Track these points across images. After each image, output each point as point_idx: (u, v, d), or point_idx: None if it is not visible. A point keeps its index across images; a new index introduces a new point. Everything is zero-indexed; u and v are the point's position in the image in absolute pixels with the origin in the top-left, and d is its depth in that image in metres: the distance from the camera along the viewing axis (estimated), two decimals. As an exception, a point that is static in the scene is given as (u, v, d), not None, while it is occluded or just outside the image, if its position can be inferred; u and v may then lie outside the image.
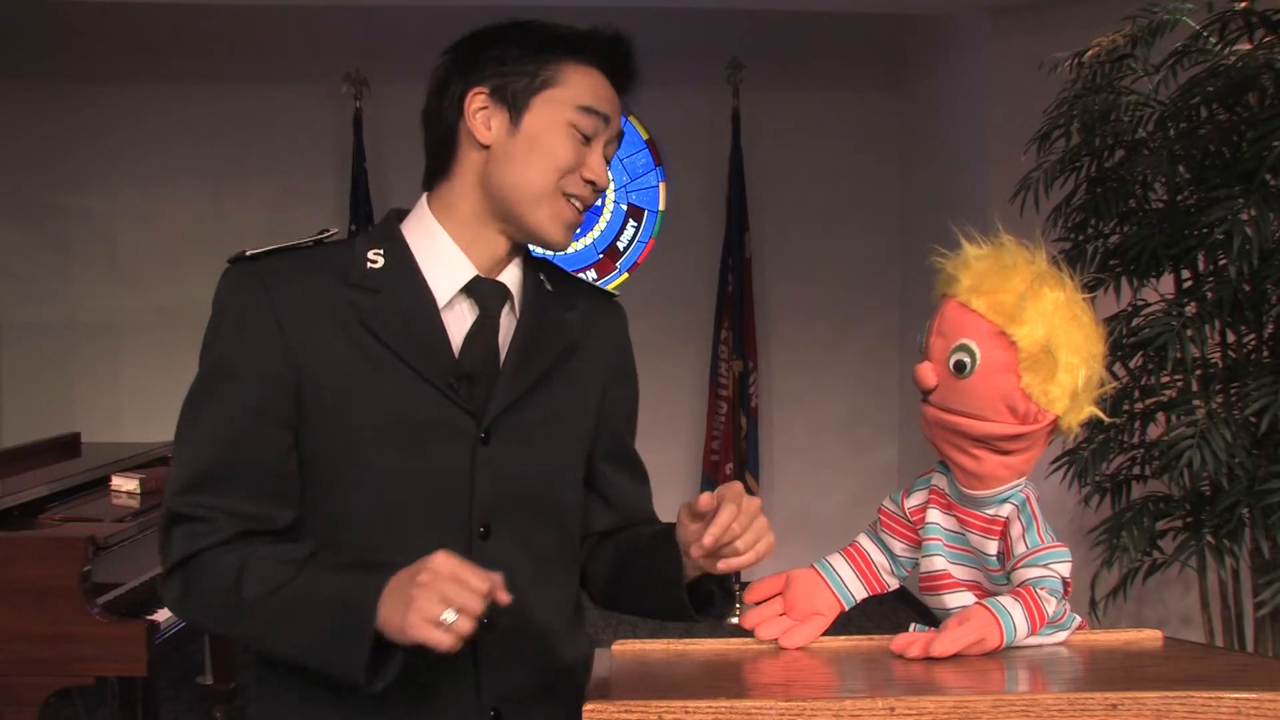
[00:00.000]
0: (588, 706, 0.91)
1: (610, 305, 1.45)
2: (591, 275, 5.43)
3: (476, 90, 1.29)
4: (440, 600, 1.06)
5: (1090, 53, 2.92)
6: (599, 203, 5.61)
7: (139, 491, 2.97)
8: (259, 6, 5.06)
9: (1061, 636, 1.12)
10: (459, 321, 1.28)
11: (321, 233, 1.33)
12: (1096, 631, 1.15)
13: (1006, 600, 1.07)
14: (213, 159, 5.50)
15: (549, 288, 1.36)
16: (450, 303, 1.28)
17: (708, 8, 5.01)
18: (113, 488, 3.01)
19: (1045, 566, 1.08)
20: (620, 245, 5.60)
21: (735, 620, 5.08)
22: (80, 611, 2.38)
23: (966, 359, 1.07)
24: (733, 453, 5.27)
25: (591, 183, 1.29)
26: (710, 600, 1.32)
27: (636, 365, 1.46)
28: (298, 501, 1.25)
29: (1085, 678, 1.05)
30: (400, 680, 1.16)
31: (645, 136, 5.64)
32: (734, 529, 1.16)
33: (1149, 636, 1.14)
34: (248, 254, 1.26)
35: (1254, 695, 0.90)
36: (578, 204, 1.30)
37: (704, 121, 5.47)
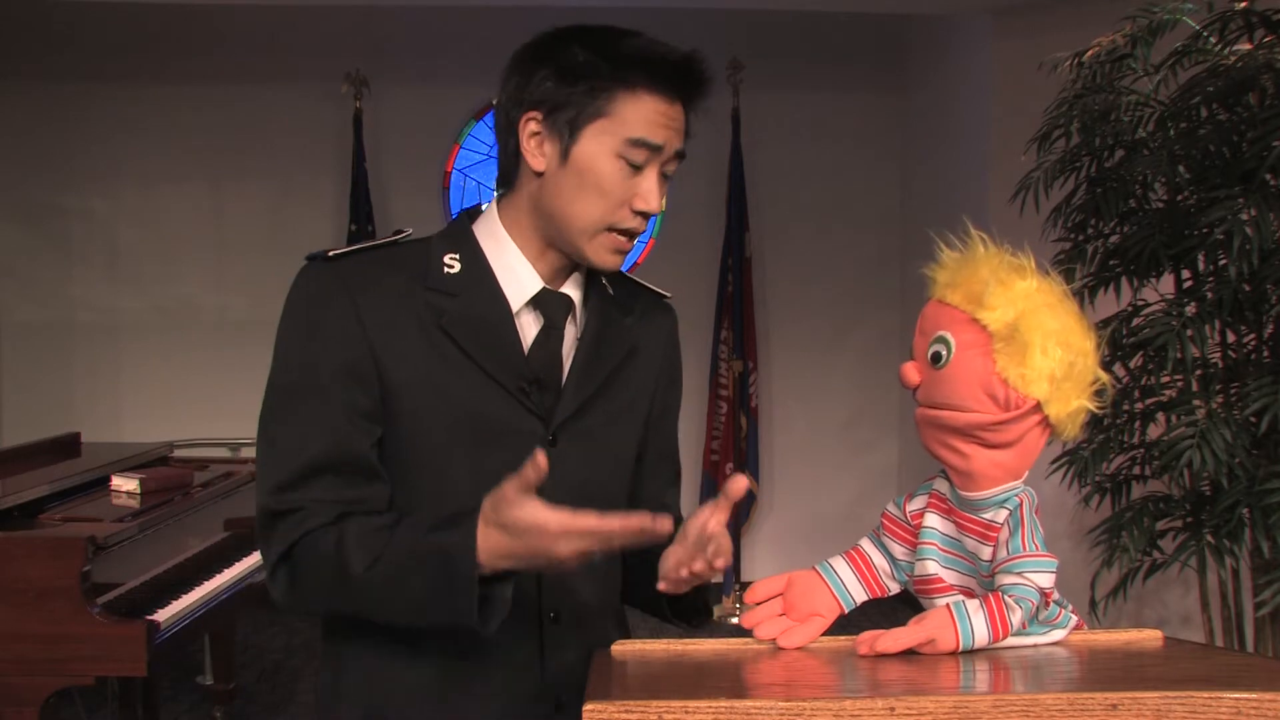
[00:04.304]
0: (588, 706, 0.91)
1: (663, 308, 1.49)
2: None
3: (530, 115, 1.26)
4: (578, 556, 1.12)
5: (1090, 53, 2.92)
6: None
7: (139, 491, 2.97)
8: (259, 6, 5.06)
9: (1058, 636, 1.12)
10: (525, 330, 1.31)
11: (397, 233, 1.34)
12: (1096, 631, 1.15)
13: (971, 605, 1.07)
14: (213, 159, 5.50)
15: (610, 291, 1.39)
16: (518, 312, 1.30)
17: (708, 8, 5.01)
18: (113, 488, 3.01)
19: (1020, 575, 1.07)
20: (620, 245, 5.60)
21: (736, 620, 5.09)
22: (80, 611, 2.38)
23: (942, 349, 1.09)
24: (733, 453, 5.27)
25: (642, 213, 1.27)
26: (694, 610, 1.38)
27: None
28: (388, 479, 1.28)
29: (1085, 678, 1.05)
30: (470, 669, 1.26)
31: (645, 136, 5.64)
32: (684, 568, 1.21)
33: (1149, 636, 1.14)
34: (329, 254, 1.27)
35: (1254, 695, 0.90)
36: (628, 234, 1.28)
37: (704, 121, 5.46)
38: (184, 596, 2.69)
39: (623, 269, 1.44)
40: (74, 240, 5.54)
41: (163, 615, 2.55)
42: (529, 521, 1.10)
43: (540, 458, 1.08)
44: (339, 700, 1.33)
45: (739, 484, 1.21)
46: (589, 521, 1.09)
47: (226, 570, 2.91)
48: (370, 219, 5.22)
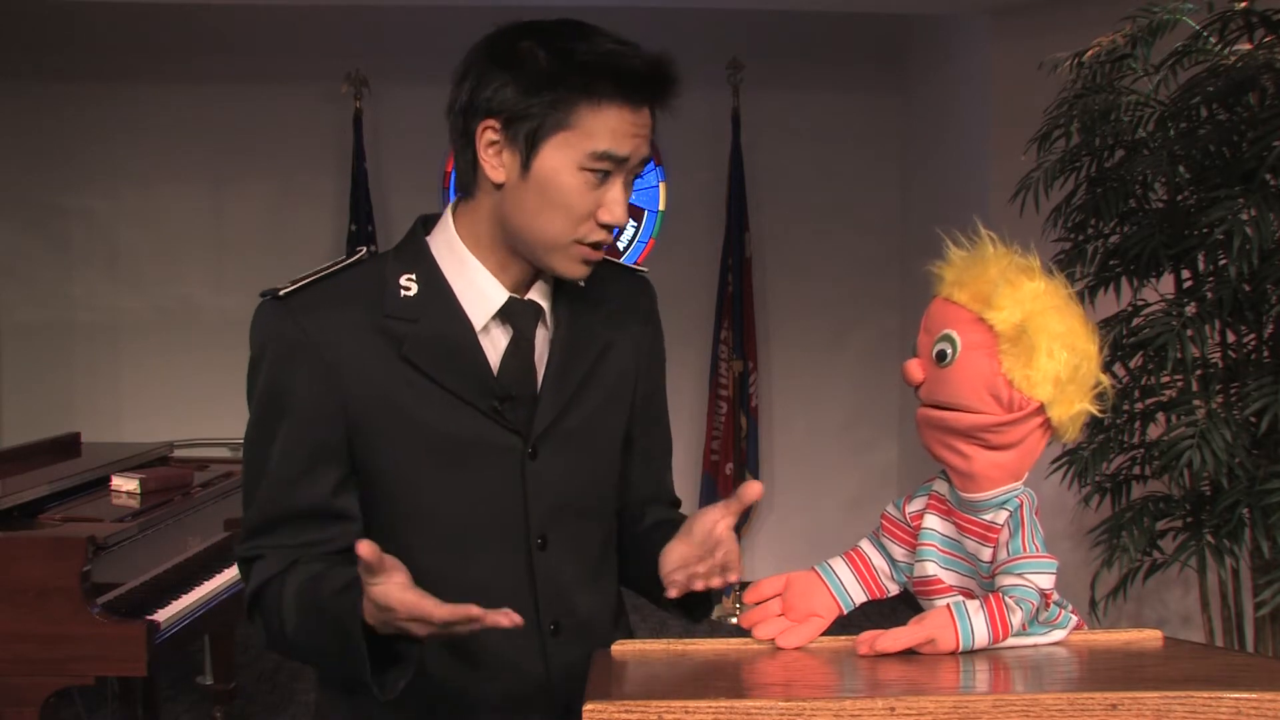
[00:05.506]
0: (588, 706, 0.91)
1: (638, 285, 1.44)
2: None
3: (486, 124, 1.19)
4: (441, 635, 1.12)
5: (1090, 53, 2.93)
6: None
7: (139, 491, 2.97)
8: (259, 6, 5.05)
9: (1058, 636, 1.12)
10: (495, 343, 1.27)
11: (353, 254, 1.31)
12: (1096, 631, 1.15)
13: (971, 606, 1.07)
14: (213, 159, 5.49)
15: (580, 284, 1.32)
16: (485, 326, 1.27)
17: (708, 8, 5.01)
18: (113, 488, 3.01)
19: (1021, 576, 1.07)
20: (620, 245, 5.60)
21: (735, 620, 5.08)
22: (80, 611, 2.38)
23: (948, 348, 1.08)
24: (733, 453, 5.26)
25: (607, 225, 1.21)
26: (695, 602, 1.34)
27: None
28: (357, 516, 1.27)
29: (1085, 678, 1.05)
30: (475, 680, 1.28)
31: (645, 136, 5.64)
32: (695, 568, 1.20)
33: (1149, 636, 1.14)
34: (281, 292, 1.24)
35: (1254, 695, 0.90)
36: (594, 246, 1.23)
37: (704, 121, 5.46)
38: (184, 596, 2.69)
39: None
40: (74, 240, 5.53)
41: (163, 615, 2.55)
42: (382, 601, 1.08)
43: (363, 550, 1.04)
44: (338, 710, 1.33)
45: (754, 490, 1.19)
46: (427, 607, 1.06)
47: (226, 570, 2.91)
48: (370, 219, 5.22)
